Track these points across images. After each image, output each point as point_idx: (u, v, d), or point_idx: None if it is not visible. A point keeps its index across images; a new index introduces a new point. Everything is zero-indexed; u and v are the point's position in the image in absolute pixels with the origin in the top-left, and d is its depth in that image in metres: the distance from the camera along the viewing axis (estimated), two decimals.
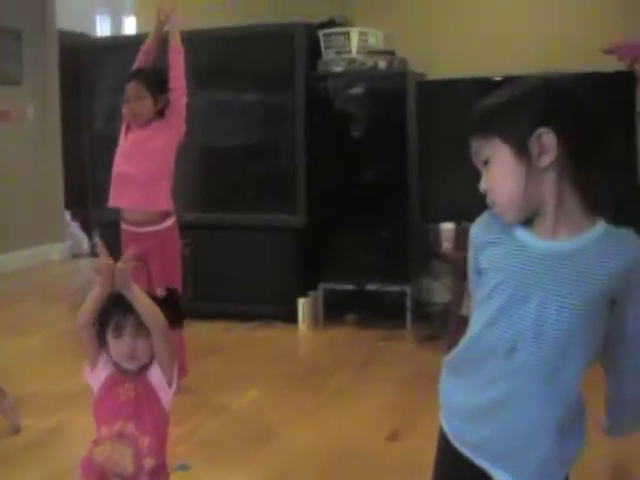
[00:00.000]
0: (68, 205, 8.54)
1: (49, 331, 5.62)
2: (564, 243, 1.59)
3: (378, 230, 5.72)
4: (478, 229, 1.71)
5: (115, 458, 2.39)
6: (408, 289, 5.67)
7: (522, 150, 1.58)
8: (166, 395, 2.43)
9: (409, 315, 5.66)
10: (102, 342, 2.39)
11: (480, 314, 1.68)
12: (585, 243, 1.59)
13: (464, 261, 1.81)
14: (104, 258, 2.33)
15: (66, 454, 3.32)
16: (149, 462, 2.40)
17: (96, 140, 6.20)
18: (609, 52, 4.86)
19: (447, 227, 5.12)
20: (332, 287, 5.88)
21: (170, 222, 4.28)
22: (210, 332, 5.61)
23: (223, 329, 5.71)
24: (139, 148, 4.21)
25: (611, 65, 4.94)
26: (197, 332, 5.34)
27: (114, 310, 2.35)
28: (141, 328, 2.34)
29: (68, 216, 8.62)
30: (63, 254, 8.37)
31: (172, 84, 4.18)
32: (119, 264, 2.31)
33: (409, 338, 5.49)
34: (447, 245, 5.11)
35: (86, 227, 8.41)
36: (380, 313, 5.77)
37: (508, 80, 1.76)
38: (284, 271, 5.86)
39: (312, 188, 5.85)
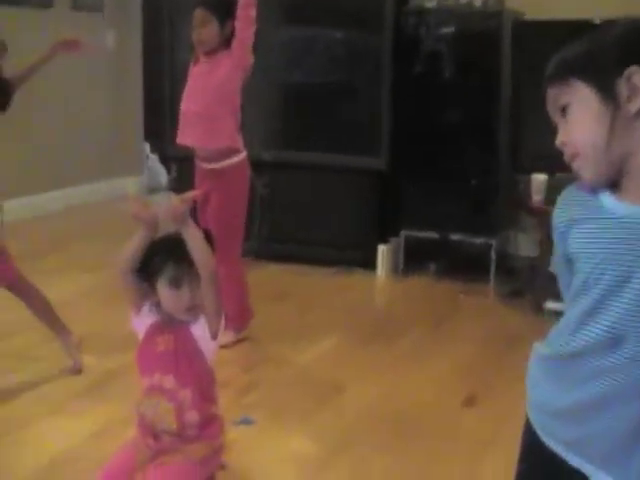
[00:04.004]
0: (148, 137, 8.36)
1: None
2: None
3: (465, 177, 5.45)
4: (560, 209, 1.51)
5: (160, 415, 2.33)
6: (493, 241, 5.40)
7: (608, 93, 1.40)
8: (209, 347, 2.35)
9: (493, 268, 5.39)
10: (147, 289, 2.32)
11: (576, 304, 1.47)
12: None
13: None
14: (141, 207, 2.30)
15: (126, 399, 3.15)
16: (193, 416, 2.33)
17: (177, 70, 5.98)
18: None
19: (538, 178, 4.80)
20: (414, 235, 5.63)
21: (236, 160, 4.10)
22: (283, 276, 5.41)
23: (297, 273, 5.48)
24: (202, 82, 4.06)
25: None
26: (270, 275, 5.20)
27: (166, 260, 2.28)
28: (196, 279, 2.27)
29: (148, 148, 8.42)
30: (140, 188, 8.15)
31: (239, 12, 3.93)
32: (175, 201, 2.25)
33: (491, 293, 5.24)
34: (537, 198, 4.79)
35: (165, 160, 8.20)
36: (462, 265, 5.51)
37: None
38: (365, 215, 5.67)
39: (397, 130, 5.58)
